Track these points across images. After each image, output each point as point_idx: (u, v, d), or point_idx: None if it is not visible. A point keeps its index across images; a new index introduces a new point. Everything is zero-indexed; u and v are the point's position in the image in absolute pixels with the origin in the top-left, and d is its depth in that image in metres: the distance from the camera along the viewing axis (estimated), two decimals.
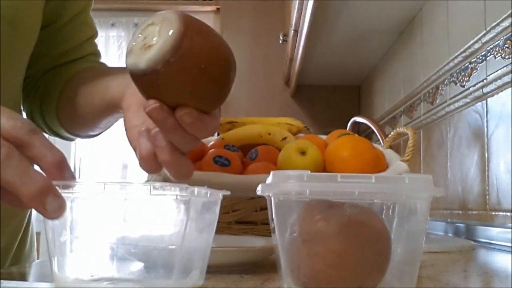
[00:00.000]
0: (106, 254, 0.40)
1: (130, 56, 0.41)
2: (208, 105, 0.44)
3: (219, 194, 0.42)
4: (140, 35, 0.42)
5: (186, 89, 0.42)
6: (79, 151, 2.88)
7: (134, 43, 0.42)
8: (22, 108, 0.72)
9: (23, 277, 0.54)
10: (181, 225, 0.38)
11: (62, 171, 0.39)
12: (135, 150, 0.47)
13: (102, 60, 0.78)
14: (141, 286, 0.39)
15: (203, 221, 0.41)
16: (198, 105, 0.43)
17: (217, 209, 0.42)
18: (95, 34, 0.77)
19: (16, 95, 0.66)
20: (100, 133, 0.72)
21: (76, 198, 0.39)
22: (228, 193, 0.43)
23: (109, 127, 0.69)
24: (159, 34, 0.40)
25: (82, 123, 0.69)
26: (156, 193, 0.37)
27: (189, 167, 0.46)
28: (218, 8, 2.78)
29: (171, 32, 0.40)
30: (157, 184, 0.37)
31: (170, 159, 0.44)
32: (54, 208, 0.36)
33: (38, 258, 0.81)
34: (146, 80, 0.41)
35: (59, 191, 0.37)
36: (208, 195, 0.40)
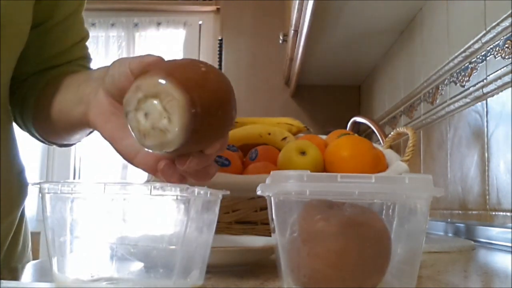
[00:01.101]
0: (106, 254, 0.40)
1: (149, 139, 0.42)
2: (226, 132, 0.47)
3: (219, 194, 0.42)
4: (139, 114, 0.41)
5: (212, 137, 0.44)
6: (79, 151, 2.88)
7: (140, 124, 0.41)
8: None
9: (23, 277, 0.54)
10: (181, 225, 0.38)
11: None
12: (150, 172, 0.50)
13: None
14: (141, 286, 0.39)
15: (203, 221, 0.41)
16: (220, 138, 0.46)
17: (217, 209, 0.43)
18: (86, 37, 0.76)
19: (3, 95, 0.66)
20: (76, 143, 0.73)
21: (76, 198, 0.39)
22: (228, 193, 0.43)
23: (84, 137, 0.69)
24: (168, 112, 0.40)
25: (56, 136, 0.70)
26: (156, 193, 0.37)
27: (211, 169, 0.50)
28: (218, 8, 2.78)
29: (180, 108, 0.40)
30: (157, 184, 0.37)
31: (196, 174, 0.48)
32: None
33: (34, 259, 0.80)
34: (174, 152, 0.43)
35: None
36: (208, 195, 0.40)
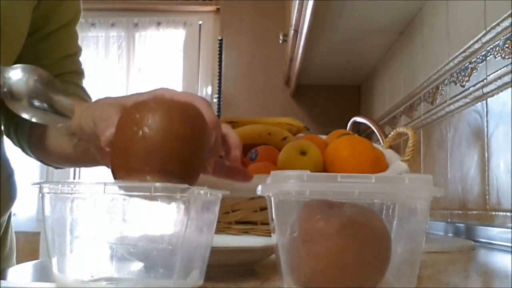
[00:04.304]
0: (106, 254, 0.40)
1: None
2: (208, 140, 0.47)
3: (219, 194, 0.42)
4: None
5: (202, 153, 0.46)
6: None
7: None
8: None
9: (22, 277, 0.54)
10: (181, 225, 0.38)
11: None
12: None
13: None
14: (141, 286, 0.39)
15: (203, 221, 0.41)
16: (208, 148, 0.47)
17: (217, 209, 0.42)
18: (78, 52, 0.76)
19: None
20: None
21: (76, 198, 0.39)
22: (228, 193, 0.43)
23: None
24: None
25: (54, 163, 0.70)
26: (156, 193, 0.37)
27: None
28: (218, 8, 2.78)
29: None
30: (157, 185, 0.37)
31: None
32: None
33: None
34: None
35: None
36: (208, 195, 0.40)
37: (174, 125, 0.42)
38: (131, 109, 0.44)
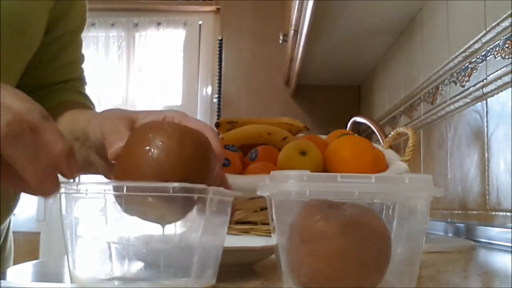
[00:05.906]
0: (120, 254, 0.40)
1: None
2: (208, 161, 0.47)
3: (232, 195, 0.42)
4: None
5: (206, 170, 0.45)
6: None
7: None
8: None
9: (22, 277, 0.54)
10: (196, 226, 0.38)
11: (69, 160, 0.40)
12: None
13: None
14: (156, 286, 0.39)
15: (217, 221, 0.41)
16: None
17: (229, 209, 0.43)
18: (82, 59, 0.77)
19: None
20: None
21: (92, 197, 0.39)
22: (240, 193, 0.43)
23: None
24: None
25: None
26: (175, 193, 0.37)
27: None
28: (218, 8, 2.78)
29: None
30: (175, 184, 0.37)
31: None
32: (52, 190, 0.38)
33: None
34: None
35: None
36: (223, 196, 0.41)
37: (185, 153, 0.42)
38: (145, 128, 0.44)
